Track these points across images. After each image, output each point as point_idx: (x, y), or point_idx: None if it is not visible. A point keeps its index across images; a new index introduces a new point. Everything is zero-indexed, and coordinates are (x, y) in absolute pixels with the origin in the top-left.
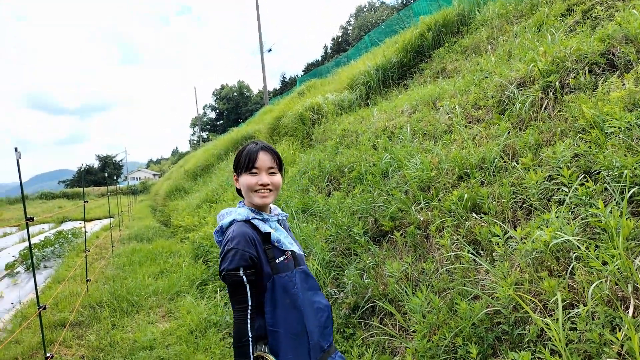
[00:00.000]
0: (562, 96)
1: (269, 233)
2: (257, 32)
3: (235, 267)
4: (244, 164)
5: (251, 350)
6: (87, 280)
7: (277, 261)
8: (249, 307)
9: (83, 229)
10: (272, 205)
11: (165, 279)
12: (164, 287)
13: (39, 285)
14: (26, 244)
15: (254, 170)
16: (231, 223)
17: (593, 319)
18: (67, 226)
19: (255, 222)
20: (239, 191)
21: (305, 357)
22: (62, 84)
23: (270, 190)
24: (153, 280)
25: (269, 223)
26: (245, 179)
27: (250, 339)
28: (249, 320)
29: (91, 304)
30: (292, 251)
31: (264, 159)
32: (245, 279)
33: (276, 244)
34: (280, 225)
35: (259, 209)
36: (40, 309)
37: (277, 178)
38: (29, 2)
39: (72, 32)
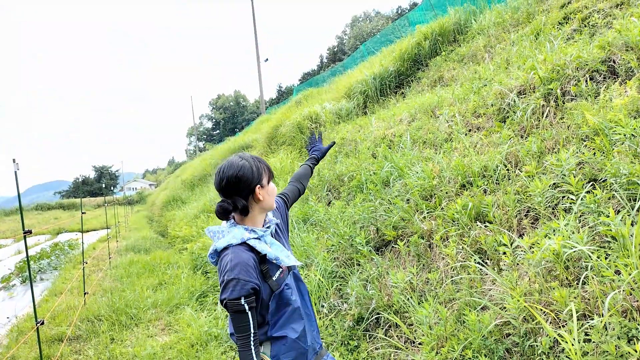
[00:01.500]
0: (564, 104)
1: (264, 255)
2: (254, 42)
3: (236, 297)
4: (269, 171)
5: None
6: (85, 293)
7: (274, 278)
8: (252, 335)
9: (80, 240)
10: None
11: (164, 291)
12: (163, 299)
13: (35, 298)
14: (22, 256)
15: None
16: (226, 247)
17: (607, 330)
18: (63, 237)
19: (252, 242)
20: (244, 208)
21: None
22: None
23: None
24: (152, 293)
25: (264, 239)
26: (273, 186)
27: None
28: (252, 348)
29: (89, 318)
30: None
31: None
32: (247, 307)
33: (274, 261)
34: (274, 234)
35: (255, 223)
36: (38, 324)
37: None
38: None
39: (64, 42)
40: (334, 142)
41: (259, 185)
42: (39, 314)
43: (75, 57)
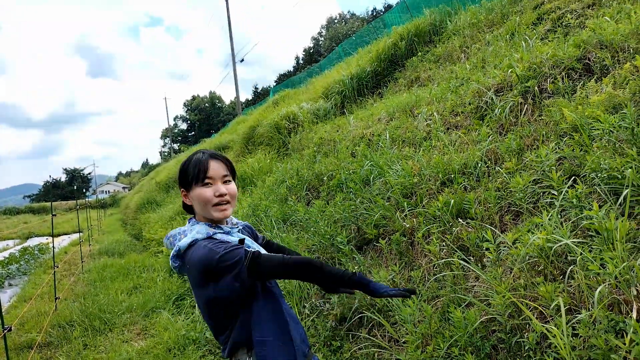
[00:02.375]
0: (541, 101)
1: (243, 239)
2: (229, 42)
3: (243, 253)
4: (194, 175)
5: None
6: (56, 298)
7: None
8: (284, 255)
9: (51, 244)
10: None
11: (139, 295)
12: (138, 303)
13: (3, 304)
14: None
15: (207, 181)
16: (191, 244)
17: (595, 324)
18: (33, 242)
19: (219, 236)
20: (188, 208)
21: None
22: (29, 97)
23: (228, 202)
24: (126, 297)
25: (232, 234)
26: (199, 192)
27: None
28: (295, 257)
29: (60, 324)
30: None
31: (216, 167)
32: (260, 249)
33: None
34: (242, 233)
35: (217, 223)
36: (6, 331)
37: (233, 186)
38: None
39: (39, 45)
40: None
41: (183, 189)
42: (7, 321)
43: (41, 67)
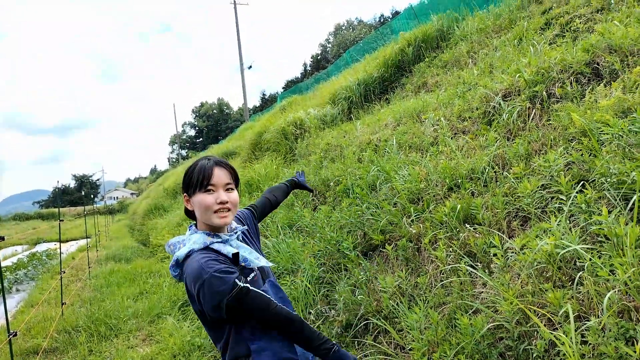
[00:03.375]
0: (550, 106)
1: (236, 253)
2: (237, 49)
3: (231, 285)
4: (197, 181)
5: (300, 316)
6: (62, 304)
7: (247, 282)
8: (273, 301)
9: (58, 250)
10: None
11: (145, 301)
12: (144, 309)
13: (11, 310)
14: None
15: (210, 188)
16: (188, 254)
17: (604, 331)
18: (41, 247)
19: (216, 246)
20: (189, 213)
21: None
22: (40, 103)
23: (229, 210)
24: (132, 302)
25: (230, 243)
26: (201, 199)
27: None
28: (282, 308)
29: (66, 329)
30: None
31: (220, 175)
32: (248, 285)
33: (243, 264)
34: (242, 240)
35: (216, 230)
36: (11, 336)
37: (235, 195)
38: (8, 19)
39: (50, 51)
40: (312, 190)
41: (185, 194)
42: (14, 326)
43: (52, 73)
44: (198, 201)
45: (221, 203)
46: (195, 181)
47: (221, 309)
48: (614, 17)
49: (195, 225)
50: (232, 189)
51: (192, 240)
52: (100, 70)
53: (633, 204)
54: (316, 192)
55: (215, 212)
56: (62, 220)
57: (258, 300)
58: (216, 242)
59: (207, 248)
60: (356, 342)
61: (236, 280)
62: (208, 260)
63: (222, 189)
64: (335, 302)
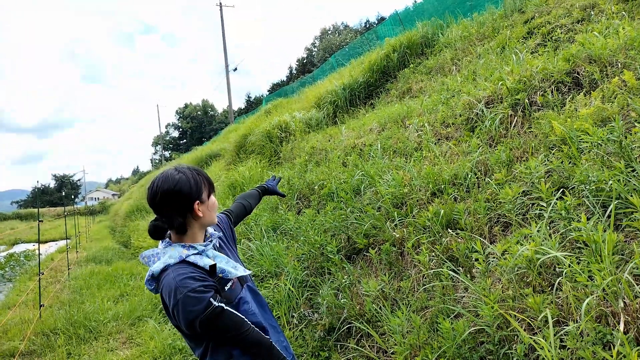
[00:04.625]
0: (531, 113)
1: (213, 265)
2: (223, 51)
3: (205, 305)
4: (210, 185)
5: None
6: (41, 306)
7: (225, 290)
8: (247, 322)
9: (37, 250)
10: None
11: (125, 303)
12: (124, 311)
13: None
14: None
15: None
16: (164, 269)
17: (582, 336)
18: (19, 248)
19: (192, 259)
20: (181, 226)
21: None
22: (20, 101)
23: None
24: (113, 305)
25: (206, 253)
26: (214, 200)
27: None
28: (254, 330)
29: (44, 331)
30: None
31: None
32: (222, 305)
33: (221, 275)
34: (218, 246)
35: (194, 240)
36: None
37: None
38: None
39: (31, 50)
40: (280, 178)
41: (198, 201)
42: None
43: (32, 72)
44: (213, 202)
45: None
46: (208, 185)
47: (195, 327)
48: (594, 28)
49: (169, 236)
50: None
51: (168, 254)
52: (82, 70)
53: (611, 211)
54: (299, 195)
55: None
56: (42, 221)
57: (231, 321)
58: (192, 254)
59: (183, 262)
60: (339, 345)
61: (211, 299)
62: (184, 278)
63: None
64: (319, 306)
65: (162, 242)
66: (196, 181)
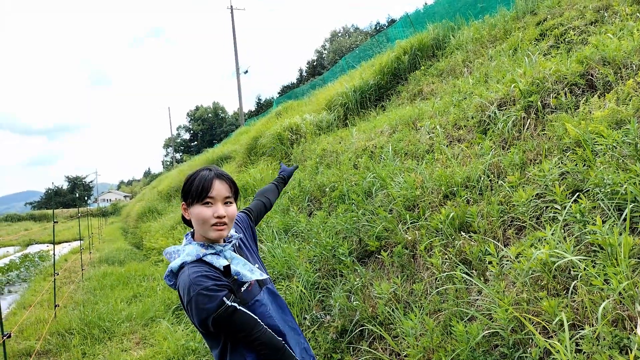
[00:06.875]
0: (544, 116)
1: (227, 266)
2: (234, 54)
3: (218, 303)
4: (197, 193)
5: (292, 351)
6: (55, 306)
7: (241, 292)
8: (260, 324)
9: (51, 251)
10: None
11: (139, 304)
12: (137, 312)
13: (3, 311)
14: None
15: (208, 201)
16: (182, 266)
17: (598, 340)
18: (33, 249)
19: (208, 258)
20: (187, 221)
21: None
22: (30, 104)
23: (226, 224)
24: (126, 305)
25: (224, 254)
26: (199, 211)
27: (285, 344)
28: (267, 331)
29: (59, 331)
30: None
31: (219, 188)
32: (236, 304)
33: (236, 277)
34: (238, 247)
35: (211, 241)
36: (5, 337)
37: (233, 209)
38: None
39: (39, 53)
40: (297, 166)
41: (183, 202)
42: (6, 328)
43: (43, 76)
44: (196, 213)
45: (218, 217)
46: (195, 192)
47: (207, 325)
48: (607, 30)
49: (192, 234)
50: (230, 203)
51: (186, 252)
52: (91, 73)
53: (626, 214)
54: (310, 198)
55: (212, 225)
56: (56, 222)
57: (244, 321)
58: (209, 253)
59: (199, 260)
60: (351, 348)
61: (224, 298)
62: (198, 276)
63: (220, 202)
64: (331, 308)
65: (185, 237)
66: (189, 185)
